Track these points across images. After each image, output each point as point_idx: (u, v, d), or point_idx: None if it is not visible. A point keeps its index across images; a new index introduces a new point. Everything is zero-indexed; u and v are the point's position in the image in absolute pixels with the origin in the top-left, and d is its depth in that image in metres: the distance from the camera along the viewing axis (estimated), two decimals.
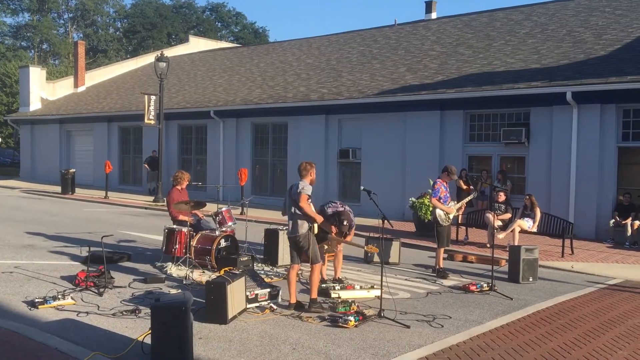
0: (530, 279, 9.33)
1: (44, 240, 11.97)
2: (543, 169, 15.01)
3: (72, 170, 23.90)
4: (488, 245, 12.25)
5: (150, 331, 5.29)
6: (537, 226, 12.49)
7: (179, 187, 10.21)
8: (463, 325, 6.80)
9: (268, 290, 7.41)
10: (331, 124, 19.32)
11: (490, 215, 12.29)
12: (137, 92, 27.73)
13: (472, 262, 11.14)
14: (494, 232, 10.99)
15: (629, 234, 13.13)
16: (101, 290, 7.71)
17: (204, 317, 6.55)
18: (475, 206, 15.09)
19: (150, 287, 8.16)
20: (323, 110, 19.33)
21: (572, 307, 7.81)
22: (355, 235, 9.16)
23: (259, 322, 6.65)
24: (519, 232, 12.17)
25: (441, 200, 9.72)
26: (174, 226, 9.62)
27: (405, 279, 9.35)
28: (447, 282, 9.19)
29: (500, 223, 12.50)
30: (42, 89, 32.64)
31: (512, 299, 8.16)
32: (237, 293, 6.72)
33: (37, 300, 7.03)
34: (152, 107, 21.16)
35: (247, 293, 7.08)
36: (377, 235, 10.80)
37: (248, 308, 7.04)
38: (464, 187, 14.85)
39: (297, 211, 7.17)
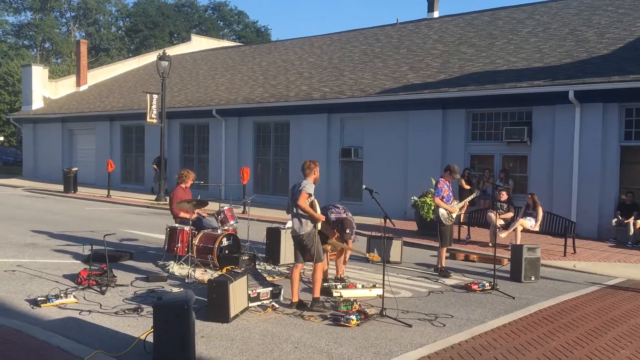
0: (533, 278, 9.33)
1: (46, 238, 11.99)
2: (545, 168, 14.99)
3: (75, 169, 23.94)
4: (490, 244, 12.24)
5: (152, 330, 5.30)
6: (540, 225, 12.47)
7: (183, 186, 10.23)
8: (465, 324, 6.80)
9: (270, 289, 7.41)
10: (333, 123, 19.32)
11: (492, 215, 12.27)
12: (139, 91, 27.75)
13: (474, 261, 11.13)
14: (496, 231, 10.99)
15: (631, 233, 13.10)
16: (103, 288, 7.72)
17: (206, 315, 6.55)
18: (477, 205, 15.08)
19: (153, 285, 8.17)
20: (325, 109, 19.33)
21: (574, 307, 7.80)
22: (357, 234, 9.16)
23: (261, 321, 6.65)
24: (521, 231, 12.16)
25: (444, 200, 9.71)
26: (176, 225, 9.64)
27: (407, 278, 9.35)
28: (449, 281, 9.18)
29: (502, 222, 12.49)
30: (45, 88, 32.70)
31: (514, 298, 8.16)
32: (239, 292, 6.73)
33: (39, 298, 7.03)
34: (154, 106, 21.17)
35: (249, 292, 7.09)
36: (379, 234, 10.81)
37: (250, 307, 7.04)
38: (466, 186, 14.84)
39: (298, 210, 7.17)
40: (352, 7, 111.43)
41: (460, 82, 16.81)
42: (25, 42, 66.32)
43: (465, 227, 13.65)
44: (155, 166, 22.39)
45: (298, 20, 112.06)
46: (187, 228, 9.37)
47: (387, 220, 7.28)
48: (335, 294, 7.80)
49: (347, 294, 7.84)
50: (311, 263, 7.37)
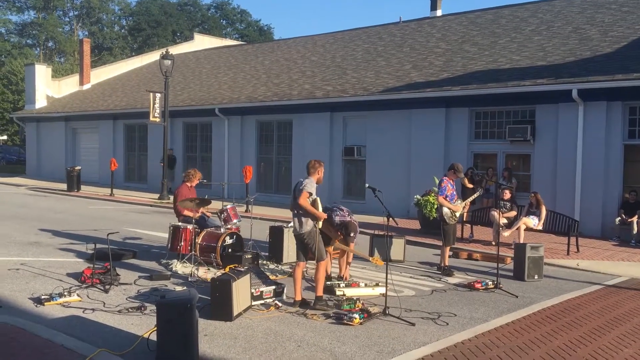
0: (536, 277, 9.32)
1: (50, 237, 12.02)
2: (548, 167, 14.96)
3: (78, 167, 23.98)
4: (493, 243, 12.22)
5: (155, 328, 5.30)
6: (543, 224, 12.45)
7: (188, 184, 10.25)
8: (468, 322, 6.80)
9: (273, 287, 7.42)
10: (336, 122, 19.31)
11: (495, 213, 12.27)
12: (142, 89, 27.76)
13: (477, 260, 11.13)
14: (500, 229, 10.97)
15: (634, 232, 13.08)
16: (107, 287, 7.73)
17: (209, 314, 6.56)
18: (480, 204, 15.06)
19: (156, 284, 8.18)
20: (328, 107, 19.32)
21: (577, 305, 7.79)
22: (360, 233, 9.17)
23: (264, 320, 6.66)
24: (525, 229, 12.14)
25: (448, 199, 9.70)
26: (179, 223, 9.66)
27: (410, 277, 9.34)
28: (452, 280, 9.18)
29: (505, 221, 12.47)
30: (48, 87, 32.76)
31: (517, 296, 8.15)
32: (242, 290, 6.74)
33: (43, 297, 7.05)
34: (157, 105, 21.18)
35: (252, 290, 7.09)
36: (382, 233, 10.80)
37: (253, 305, 7.05)
38: (469, 185, 14.80)
39: (301, 209, 7.17)
40: (355, 5, 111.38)
41: (463, 80, 16.79)
42: (29, 41, 66.46)
43: (469, 225, 13.64)
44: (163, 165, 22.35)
45: (301, 19, 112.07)
46: (190, 227, 9.39)
47: (390, 218, 7.28)
48: (338, 293, 7.80)
49: (350, 292, 7.85)
50: (314, 262, 7.37)
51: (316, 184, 7.29)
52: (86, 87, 33.62)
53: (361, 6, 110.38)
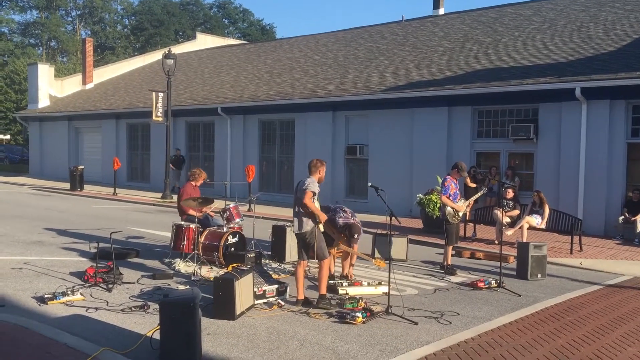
0: (539, 276, 9.30)
1: (53, 236, 12.05)
2: (552, 166, 14.93)
3: (81, 167, 24.03)
4: (496, 242, 12.21)
5: (159, 327, 5.31)
6: (546, 223, 12.43)
7: (193, 183, 10.27)
8: (471, 321, 6.79)
9: (276, 286, 7.42)
10: (338, 121, 19.30)
11: (498, 212, 12.25)
12: (144, 89, 27.82)
13: (480, 259, 11.11)
14: (502, 228, 10.95)
15: (638, 231, 13.05)
16: (110, 286, 7.75)
17: (212, 313, 6.57)
18: (483, 203, 15.04)
19: (159, 283, 8.19)
20: (330, 106, 19.31)
21: (580, 304, 7.77)
22: (363, 232, 9.16)
23: (267, 318, 6.66)
24: (528, 228, 12.12)
25: (451, 198, 9.68)
26: (182, 222, 9.67)
27: (413, 276, 9.34)
28: (455, 279, 9.17)
29: (508, 220, 12.45)
30: (51, 86, 32.82)
31: (520, 295, 8.14)
32: (245, 289, 6.74)
33: (46, 296, 7.07)
34: (159, 104, 21.20)
35: (255, 289, 7.10)
36: (384, 232, 10.80)
37: (256, 304, 7.05)
38: (471, 184, 14.79)
39: (302, 208, 7.17)
40: (357, 4, 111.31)
41: (466, 79, 16.76)
42: (32, 41, 66.59)
43: (471, 224, 13.62)
44: (172, 165, 22.40)
45: (303, 18, 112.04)
46: (193, 226, 9.40)
47: (393, 217, 7.28)
48: (341, 292, 7.80)
49: (352, 291, 7.85)
50: (316, 261, 7.36)
51: (318, 183, 7.28)
52: (89, 86, 33.69)
53: (363, 5, 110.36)
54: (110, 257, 8.30)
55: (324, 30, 31.41)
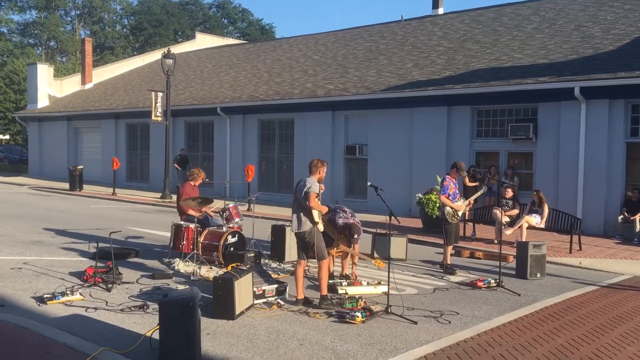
0: (538, 275, 9.31)
1: (52, 236, 12.04)
2: (551, 165, 14.94)
3: (80, 167, 24.03)
4: (496, 242, 12.21)
5: (158, 327, 5.31)
6: (545, 222, 12.43)
7: (192, 183, 10.28)
8: (470, 321, 6.79)
9: (275, 286, 7.42)
10: (338, 120, 19.30)
11: (497, 212, 12.25)
12: (144, 89, 27.80)
13: (479, 258, 11.11)
14: (502, 228, 10.95)
15: (637, 230, 13.05)
16: (109, 286, 7.75)
17: (211, 312, 6.57)
18: (482, 202, 15.03)
19: (158, 283, 8.19)
20: (329, 106, 19.31)
21: (580, 303, 7.78)
22: (362, 232, 9.16)
23: (267, 318, 6.66)
24: (527, 228, 12.13)
25: (450, 197, 9.68)
26: (182, 222, 9.67)
27: (413, 275, 9.34)
28: (454, 278, 9.17)
29: (507, 219, 12.45)
30: (50, 86, 32.81)
31: (519, 295, 8.14)
32: (244, 289, 6.74)
33: (46, 296, 7.07)
34: (159, 104, 21.20)
35: (255, 289, 7.10)
36: (384, 232, 10.80)
37: (255, 304, 7.06)
38: (470, 184, 14.79)
39: (301, 208, 7.16)
40: (357, 4, 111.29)
41: (465, 78, 16.77)
42: (31, 41, 66.54)
43: (471, 224, 13.62)
44: (176, 165, 22.39)
45: (302, 17, 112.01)
46: (192, 225, 9.40)
47: (392, 217, 7.28)
48: (340, 291, 7.81)
49: (352, 291, 7.85)
50: (316, 260, 7.36)
51: (317, 182, 7.28)
52: (88, 86, 33.67)
53: (363, 5, 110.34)
54: (110, 257, 8.30)
55: (323, 30, 31.46)
